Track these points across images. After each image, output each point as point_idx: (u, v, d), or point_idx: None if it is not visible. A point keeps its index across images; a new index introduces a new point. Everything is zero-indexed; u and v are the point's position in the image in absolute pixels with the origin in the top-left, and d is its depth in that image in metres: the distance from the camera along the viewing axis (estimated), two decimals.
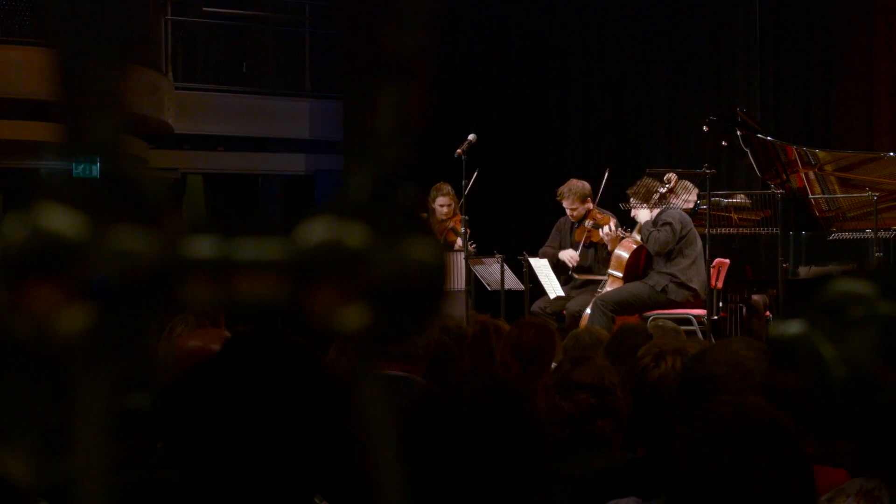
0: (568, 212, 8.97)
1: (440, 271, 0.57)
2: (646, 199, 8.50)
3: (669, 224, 8.30)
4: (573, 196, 8.88)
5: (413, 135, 0.57)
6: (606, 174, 8.99)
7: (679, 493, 1.91)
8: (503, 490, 2.05)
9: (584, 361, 3.16)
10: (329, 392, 1.51)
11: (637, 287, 8.30)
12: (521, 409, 2.15)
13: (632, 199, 8.61)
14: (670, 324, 5.71)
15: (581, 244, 8.90)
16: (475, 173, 8.65)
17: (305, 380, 1.51)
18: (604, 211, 9.01)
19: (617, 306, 8.17)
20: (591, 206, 8.92)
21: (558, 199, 8.97)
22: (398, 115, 0.56)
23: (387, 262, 0.55)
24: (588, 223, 8.90)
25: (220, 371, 1.51)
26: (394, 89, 0.57)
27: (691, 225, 8.43)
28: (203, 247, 0.57)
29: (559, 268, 8.90)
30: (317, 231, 0.56)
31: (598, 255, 8.94)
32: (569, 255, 8.88)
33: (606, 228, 8.67)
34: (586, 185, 8.96)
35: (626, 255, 8.47)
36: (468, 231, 8.82)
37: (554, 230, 9.18)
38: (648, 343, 2.93)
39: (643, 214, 8.55)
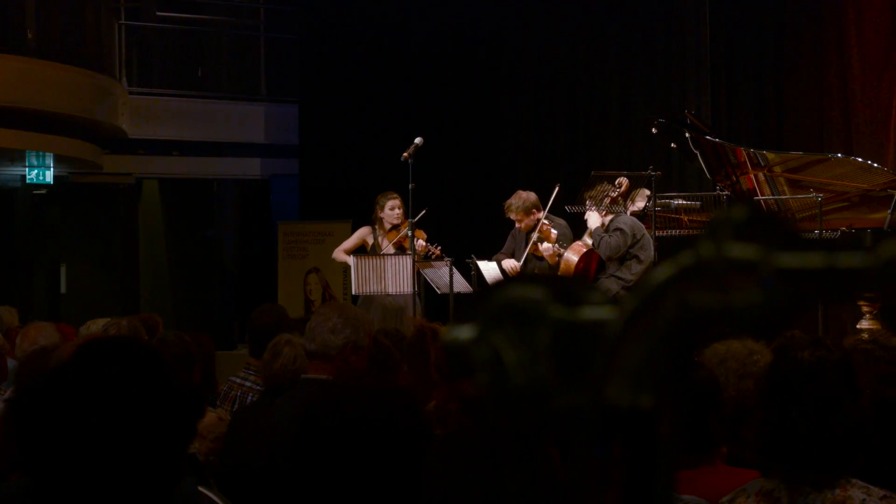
0: (516, 224, 8.91)
1: None
2: (601, 203, 8.53)
3: (621, 230, 8.31)
4: (515, 211, 8.78)
5: None
6: (557, 189, 8.87)
7: None
8: (387, 490, 2.09)
9: None
10: (176, 394, 1.51)
11: None
12: (411, 416, 2.20)
13: (587, 202, 8.60)
14: None
15: (528, 254, 8.85)
16: (424, 211, 8.53)
17: (153, 383, 1.51)
18: (555, 219, 8.91)
19: None
20: (540, 215, 8.79)
21: (505, 212, 8.90)
22: None
23: None
24: (534, 235, 8.81)
25: (67, 378, 1.50)
26: None
27: (644, 230, 8.44)
28: None
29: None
30: None
31: (548, 266, 8.91)
32: (510, 266, 8.82)
33: (546, 244, 8.61)
34: (530, 196, 8.82)
35: (574, 259, 8.46)
36: (423, 238, 8.79)
37: (509, 236, 9.13)
38: None
39: (594, 219, 8.54)
